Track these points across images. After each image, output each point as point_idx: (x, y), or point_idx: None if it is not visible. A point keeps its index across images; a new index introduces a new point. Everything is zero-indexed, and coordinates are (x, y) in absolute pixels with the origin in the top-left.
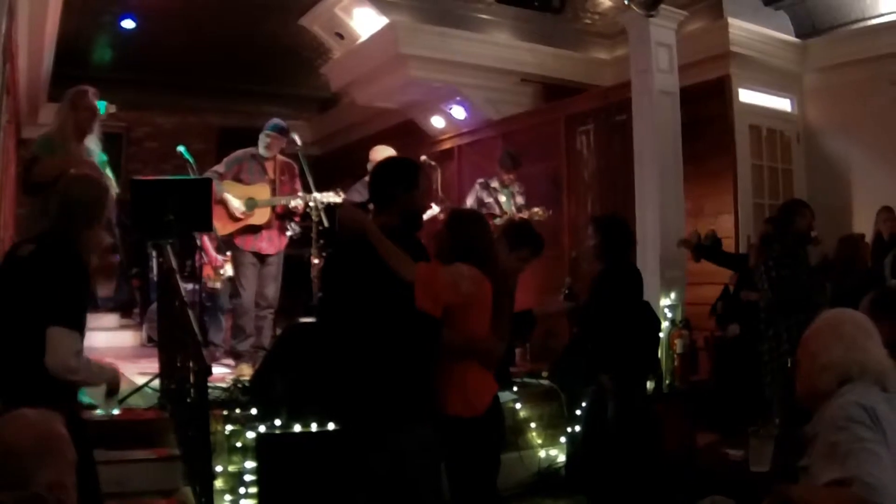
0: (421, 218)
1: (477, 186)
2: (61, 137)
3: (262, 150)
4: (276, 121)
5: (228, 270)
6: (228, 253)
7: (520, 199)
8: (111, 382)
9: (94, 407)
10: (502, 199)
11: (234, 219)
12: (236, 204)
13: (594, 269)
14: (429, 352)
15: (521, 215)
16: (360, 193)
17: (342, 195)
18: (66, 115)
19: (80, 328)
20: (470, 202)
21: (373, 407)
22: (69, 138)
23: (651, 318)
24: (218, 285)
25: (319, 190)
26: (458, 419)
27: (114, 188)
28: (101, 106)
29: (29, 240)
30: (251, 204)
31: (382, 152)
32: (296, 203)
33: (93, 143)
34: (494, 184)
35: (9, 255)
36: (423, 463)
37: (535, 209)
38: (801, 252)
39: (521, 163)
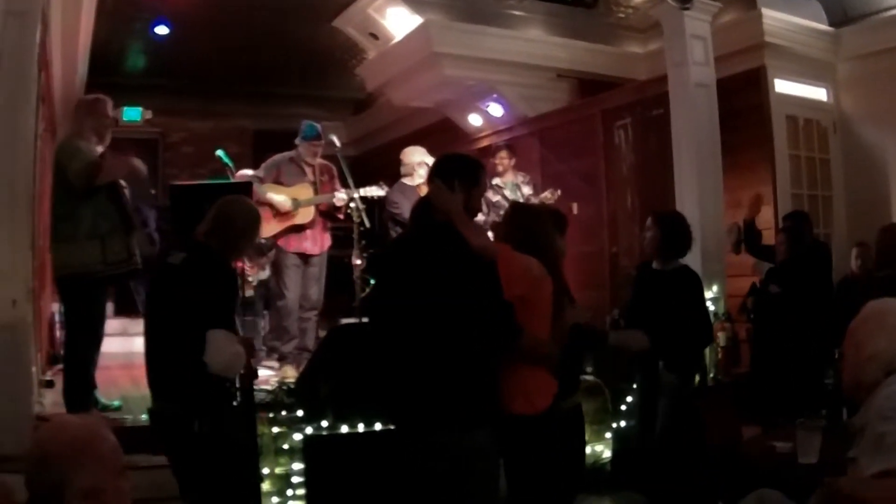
0: (475, 215)
1: None
2: (84, 141)
3: (307, 158)
4: (310, 125)
5: (260, 275)
6: (258, 260)
7: (527, 190)
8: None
9: (115, 408)
10: (507, 192)
11: (278, 220)
12: (282, 199)
13: (647, 264)
14: (503, 351)
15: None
16: (402, 193)
17: (385, 188)
18: (83, 120)
19: (234, 330)
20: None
21: (437, 409)
22: (91, 143)
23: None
24: (250, 292)
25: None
26: (520, 417)
27: (143, 169)
28: (138, 112)
29: (178, 247)
30: (295, 204)
31: (418, 154)
32: (340, 197)
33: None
34: (496, 181)
35: (160, 263)
36: (481, 466)
37: (544, 193)
38: None
39: (503, 147)
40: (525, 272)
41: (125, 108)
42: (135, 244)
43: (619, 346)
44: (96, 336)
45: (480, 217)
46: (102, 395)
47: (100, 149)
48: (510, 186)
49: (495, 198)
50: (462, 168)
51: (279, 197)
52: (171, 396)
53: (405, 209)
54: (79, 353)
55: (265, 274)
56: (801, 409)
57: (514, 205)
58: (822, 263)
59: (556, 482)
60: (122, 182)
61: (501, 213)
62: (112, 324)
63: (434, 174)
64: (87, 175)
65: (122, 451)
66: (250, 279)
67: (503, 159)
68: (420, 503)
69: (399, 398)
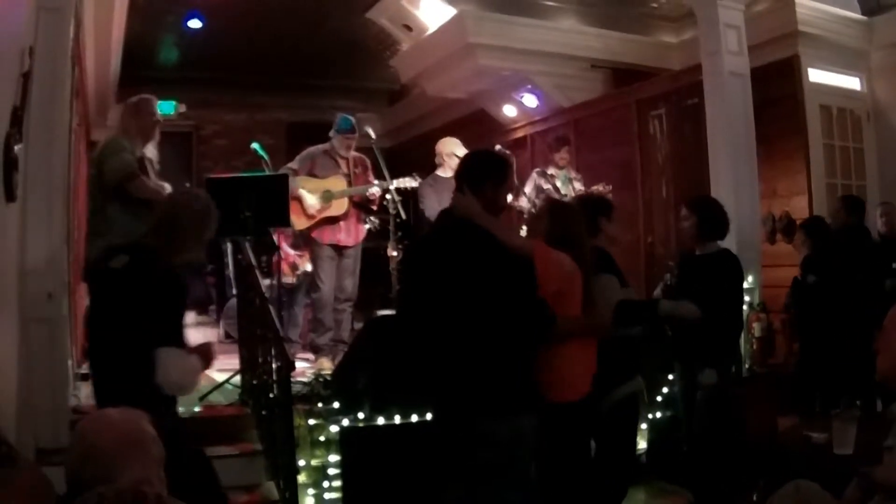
0: (501, 212)
1: (534, 175)
2: (129, 141)
3: (341, 151)
4: (344, 118)
5: (304, 266)
6: (304, 250)
7: (578, 185)
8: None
9: None
10: (559, 183)
11: (312, 213)
12: (311, 201)
13: (690, 250)
14: (540, 341)
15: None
16: (432, 187)
17: (419, 179)
18: (128, 121)
19: (183, 344)
20: (528, 190)
21: (479, 396)
22: (136, 143)
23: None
24: (293, 281)
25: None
26: (563, 405)
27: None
28: (171, 105)
29: (121, 249)
30: (328, 196)
31: (450, 144)
32: (373, 191)
33: (151, 151)
34: (550, 170)
35: (102, 265)
36: (520, 454)
37: (596, 187)
38: None
39: (568, 141)
40: (559, 268)
41: (158, 102)
42: None
43: (670, 315)
44: None
45: (525, 203)
46: None
47: (150, 147)
48: (563, 178)
49: (546, 185)
50: (474, 170)
51: (310, 197)
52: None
53: (428, 205)
54: None
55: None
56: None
57: (550, 201)
58: (861, 248)
59: (605, 469)
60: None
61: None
62: None
63: (460, 172)
64: (122, 176)
65: (160, 442)
66: (299, 270)
67: (565, 154)
68: (460, 491)
69: (440, 387)
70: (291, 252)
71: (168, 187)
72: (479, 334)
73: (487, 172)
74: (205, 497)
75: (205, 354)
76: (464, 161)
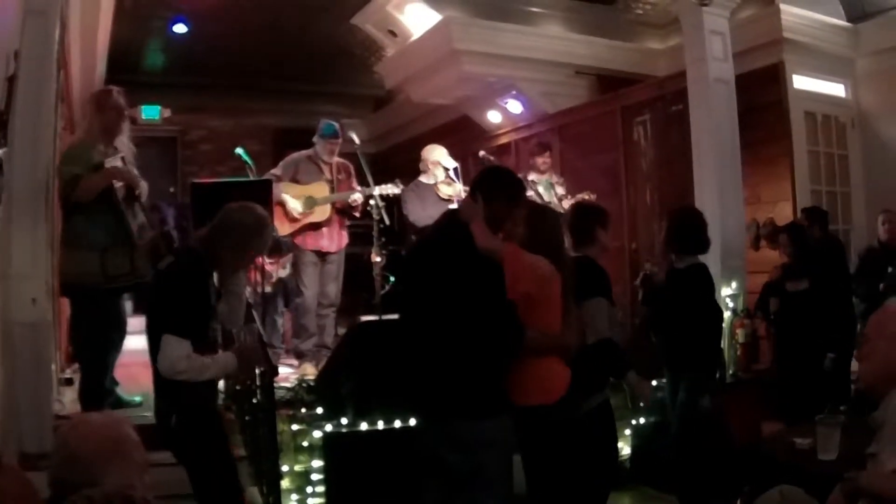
0: (498, 227)
1: None
2: (90, 142)
3: (324, 157)
4: (328, 124)
5: (279, 273)
6: (278, 258)
7: (560, 190)
8: (229, 371)
9: (136, 404)
10: (540, 189)
11: (295, 218)
12: (293, 204)
13: (664, 262)
14: (513, 347)
15: (568, 203)
16: (415, 192)
17: (401, 186)
18: (91, 117)
19: (190, 336)
20: None
21: (454, 399)
22: (97, 141)
23: (716, 311)
24: (269, 289)
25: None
26: (537, 408)
27: (144, 189)
28: (156, 110)
29: (173, 252)
30: (310, 202)
31: (436, 153)
32: (355, 198)
33: (124, 144)
34: (532, 176)
35: (154, 269)
36: (497, 455)
37: (581, 195)
38: None
39: (549, 147)
40: (531, 270)
41: (144, 107)
42: (140, 257)
43: (629, 386)
44: (106, 339)
45: None
46: (124, 392)
47: (122, 142)
48: (545, 184)
49: (529, 192)
50: (487, 183)
51: (292, 201)
52: (157, 393)
53: (412, 210)
54: (86, 357)
55: (285, 272)
56: (826, 404)
57: (532, 205)
58: (835, 258)
59: (581, 476)
60: (139, 191)
61: None
62: (131, 322)
63: (477, 183)
64: (65, 186)
65: (143, 448)
66: (272, 275)
67: (546, 158)
68: (438, 495)
69: (415, 389)
70: (267, 260)
71: (144, 186)
72: (445, 336)
73: (499, 188)
74: (225, 497)
75: (242, 355)
76: (483, 172)
